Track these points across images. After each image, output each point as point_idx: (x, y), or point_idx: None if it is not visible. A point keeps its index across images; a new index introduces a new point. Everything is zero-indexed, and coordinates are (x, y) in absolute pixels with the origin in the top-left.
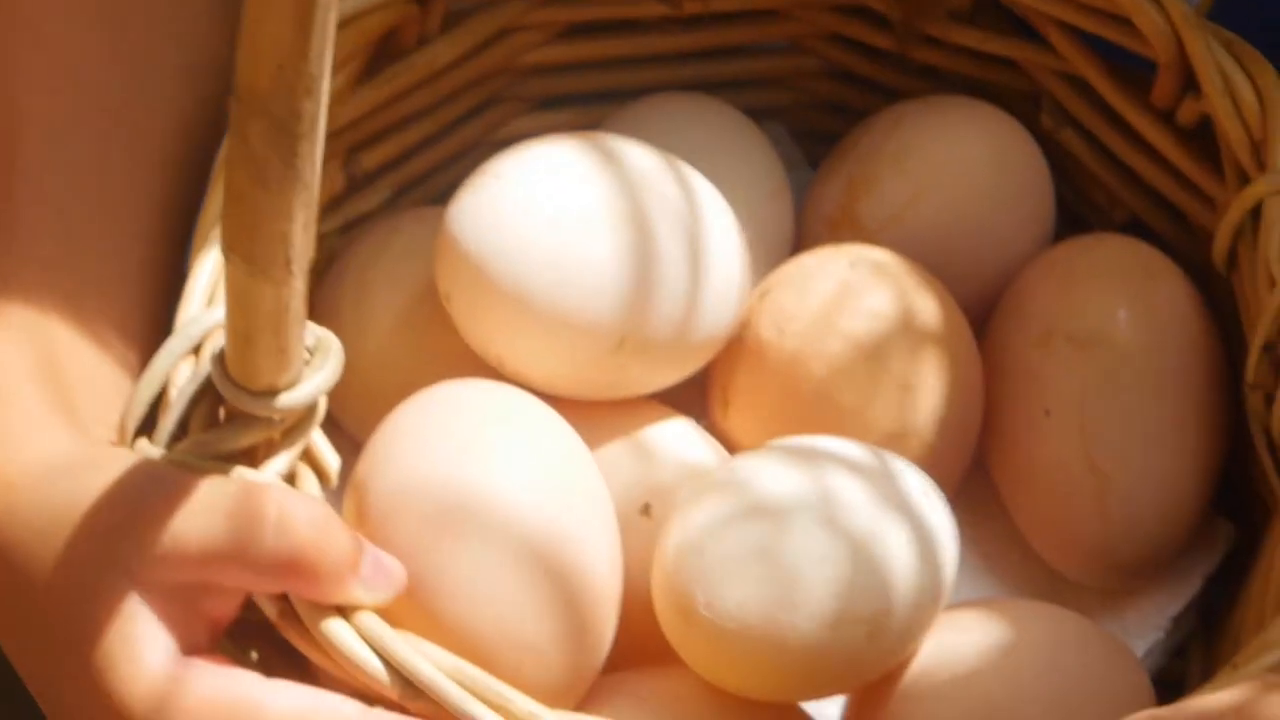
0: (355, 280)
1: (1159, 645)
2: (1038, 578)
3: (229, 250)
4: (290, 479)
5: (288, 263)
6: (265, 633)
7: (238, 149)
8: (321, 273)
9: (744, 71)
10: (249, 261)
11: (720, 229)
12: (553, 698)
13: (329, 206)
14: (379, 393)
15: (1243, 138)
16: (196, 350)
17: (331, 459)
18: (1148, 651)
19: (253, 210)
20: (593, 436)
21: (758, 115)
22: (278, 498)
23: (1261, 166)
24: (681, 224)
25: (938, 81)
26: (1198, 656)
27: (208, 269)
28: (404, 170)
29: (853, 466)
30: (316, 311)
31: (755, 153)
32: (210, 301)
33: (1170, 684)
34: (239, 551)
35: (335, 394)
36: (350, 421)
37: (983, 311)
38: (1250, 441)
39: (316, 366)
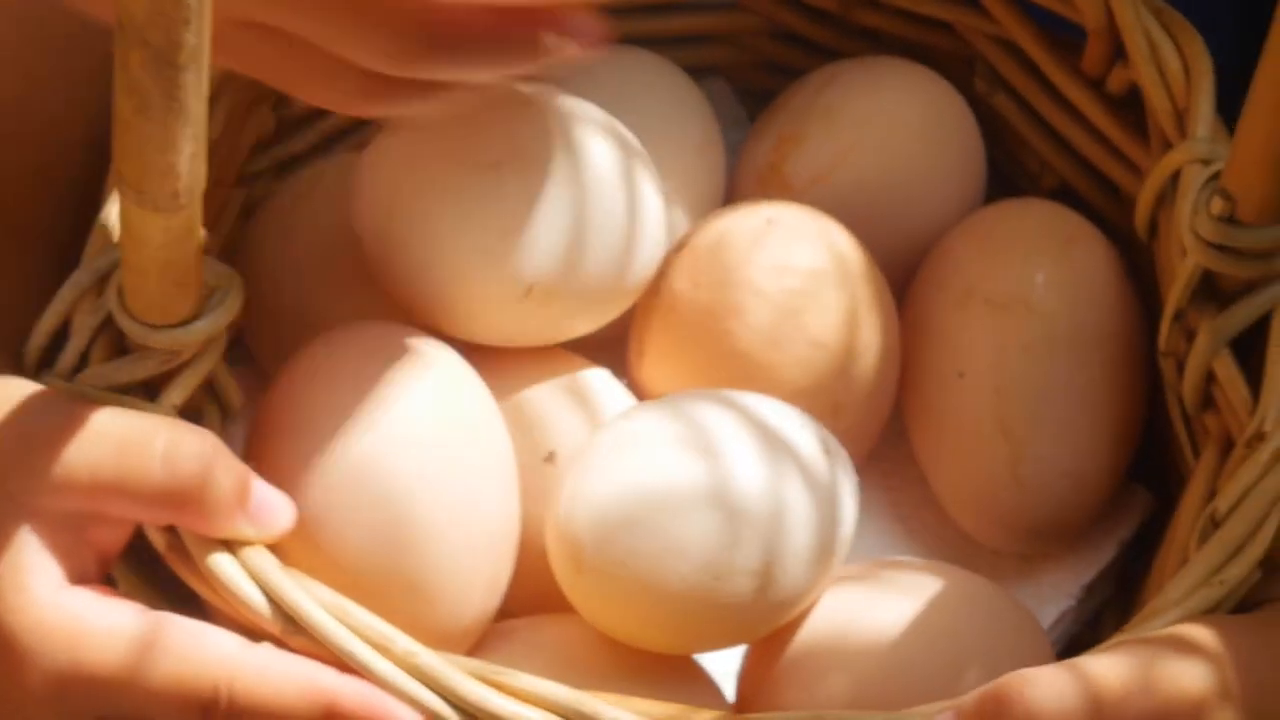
0: (279, 222)
1: (1071, 612)
2: (953, 542)
3: (119, 180)
4: (195, 412)
5: (175, 194)
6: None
7: (121, 78)
8: (251, 213)
9: (686, 27)
10: (137, 191)
11: (639, 180)
12: (441, 640)
13: (259, 148)
14: (297, 332)
15: (1167, 106)
16: (104, 283)
17: (234, 392)
18: (1059, 618)
19: (138, 140)
20: (502, 383)
21: (700, 73)
22: (167, 430)
23: (1184, 135)
24: (597, 173)
25: (877, 43)
26: (1111, 625)
27: (117, 204)
28: (335, 117)
29: (751, 420)
30: (242, 250)
31: (686, 107)
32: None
33: (1083, 651)
34: (126, 482)
35: (254, 332)
36: (271, 362)
37: (909, 272)
38: (1168, 410)
39: (216, 301)
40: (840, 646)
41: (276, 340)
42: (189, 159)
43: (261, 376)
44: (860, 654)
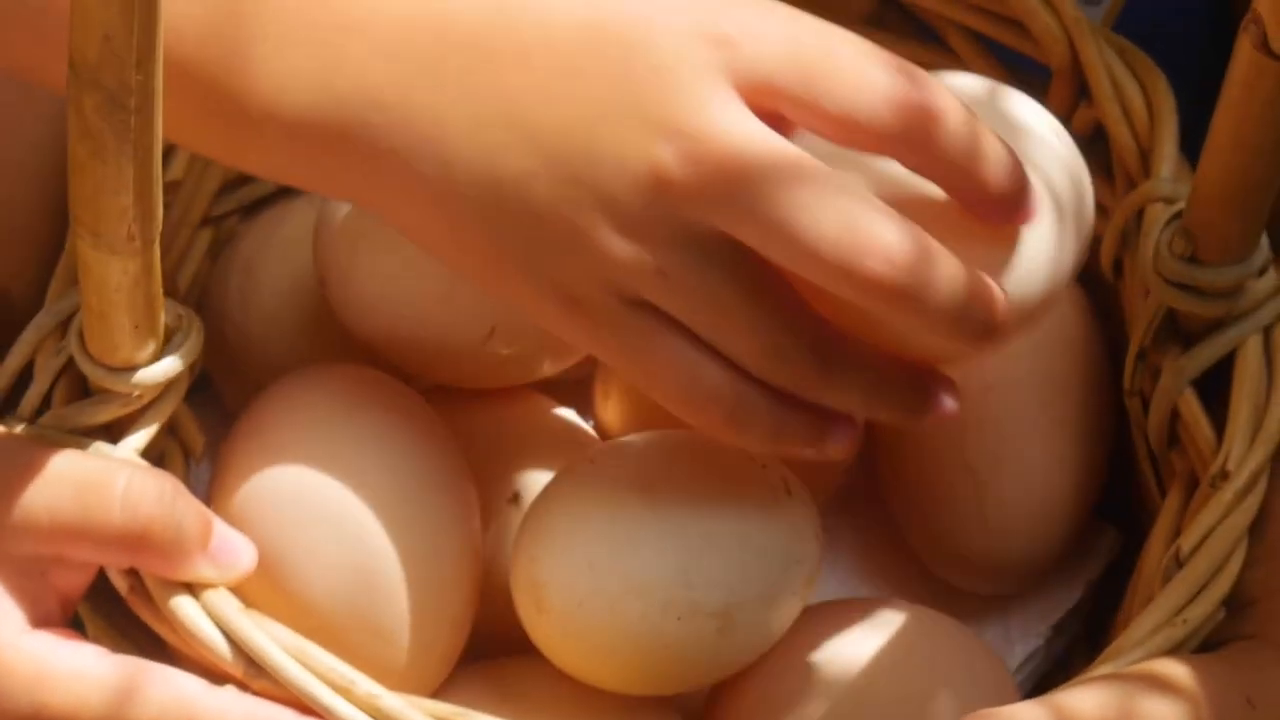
0: (244, 261)
1: (1039, 652)
2: (920, 581)
3: (76, 223)
4: (158, 454)
5: (131, 237)
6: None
7: (75, 122)
8: (218, 254)
9: None
10: (94, 234)
11: None
12: (404, 683)
13: (225, 189)
14: (262, 372)
15: (1131, 145)
16: (66, 326)
17: (196, 434)
18: (1028, 658)
19: (93, 183)
20: (466, 424)
21: None
22: (127, 473)
23: (1148, 174)
24: None
25: None
26: (1080, 663)
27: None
28: None
29: (712, 462)
30: (209, 291)
31: None
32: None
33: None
34: (86, 525)
35: (219, 371)
36: (234, 399)
37: None
38: (1135, 448)
39: (176, 344)
40: (805, 687)
41: (242, 380)
42: (144, 202)
43: (227, 416)
44: (825, 695)
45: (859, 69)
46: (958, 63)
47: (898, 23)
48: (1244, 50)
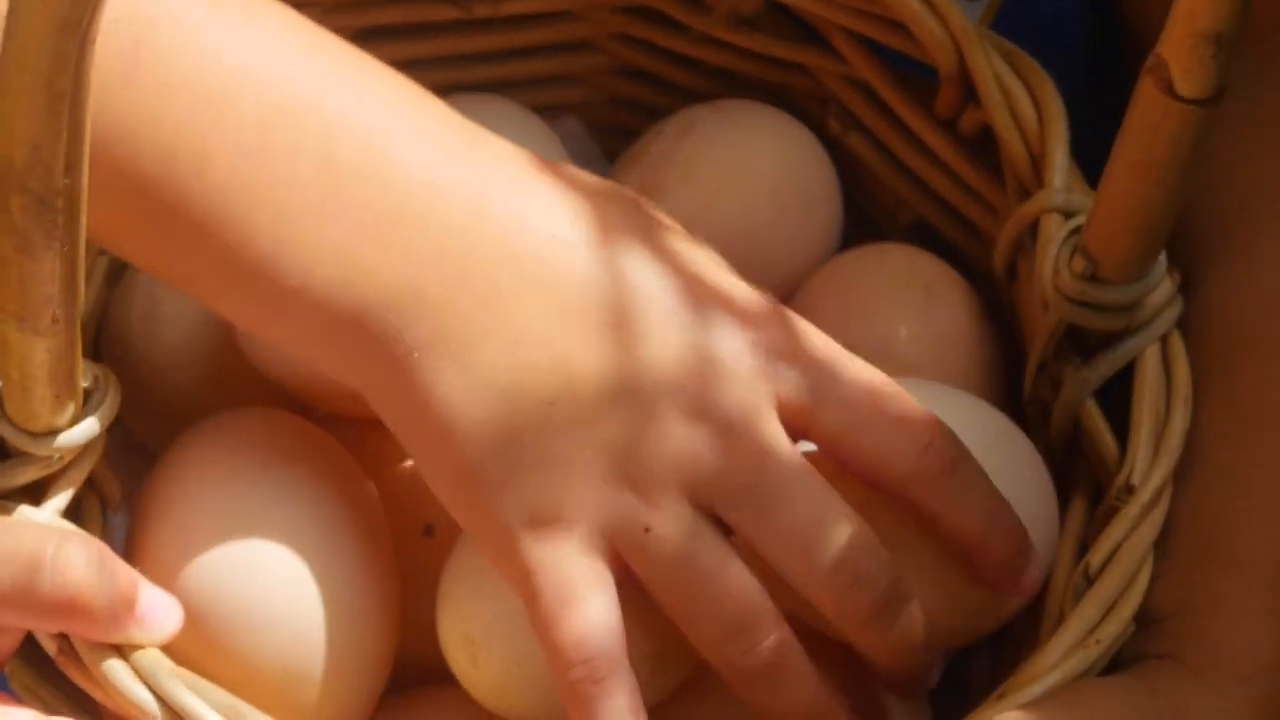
0: (146, 292)
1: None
2: None
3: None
4: (75, 505)
5: (55, 320)
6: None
7: (1, 219)
8: (116, 279)
9: (537, 71)
10: (19, 320)
11: None
12: None
13: None
14: (169, 406)
15: (1022, 151)
16: None
17: (114, 489)
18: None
19: (19, 276)
20: (376, 457)
21: (552, 112)
22: (55, 541)
23: (1040, 180)
24: None
25: (731, 82)
26: (984, 658)
27: None
28: None
29: None
30: (108, 320)
31: (546, 155)
32: None
33: (957, 685)
34: (15, 595)
35: (128, 408)
36: (144, 433)
37: None
38: None
39: (94, 405)
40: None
41: (152, 413)
42: (68, 285)
43: (135, 446)
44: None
45: (896, 421)
46: (844, 65)
47: (783, 25)
48: (1147, 91)
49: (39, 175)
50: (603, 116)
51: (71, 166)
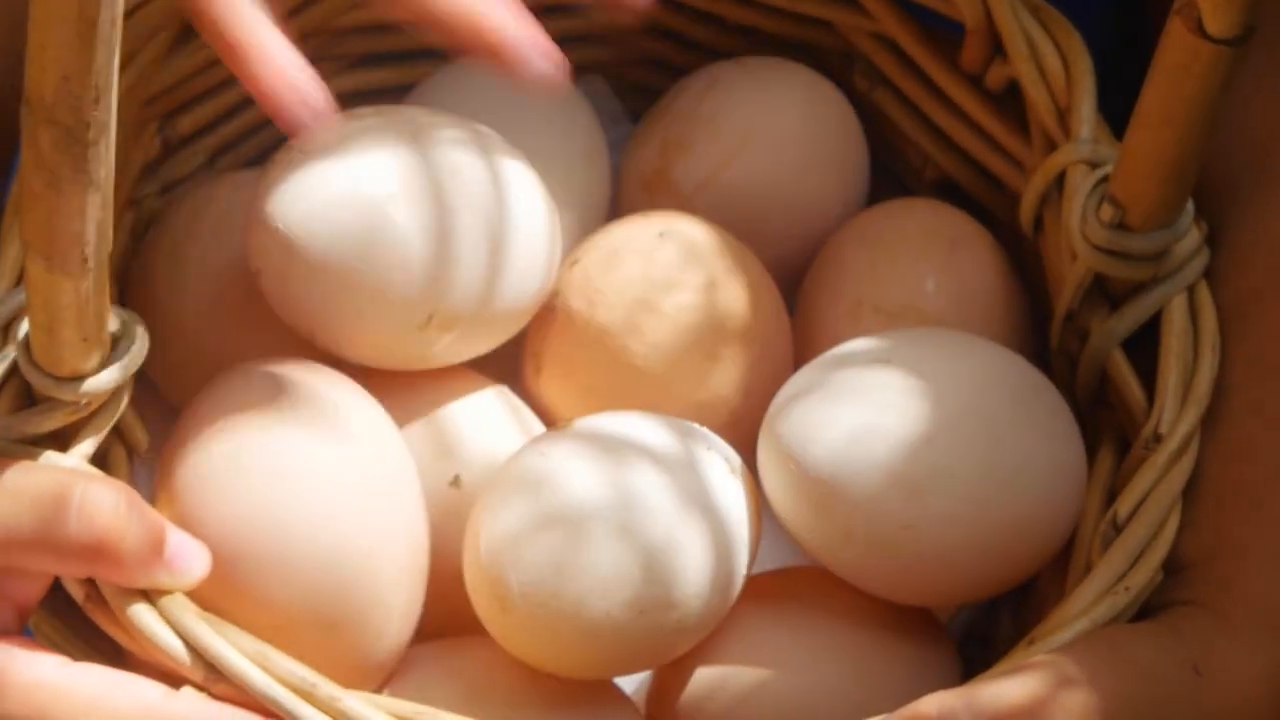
0: (170, 249)
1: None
2: None
3: (28, 246)
4: (101, 456)
5: (84, 259)
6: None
7: (30, 154)
8: (141, 234)
9: (561, 29)
10: (47, 258)
11: (526, 199)
12: (360, 674)
13: (145, 171)
14: (194, 359)
15: (1048, 104)
16: (6, 330)
17: (141, 435)
18: (958, 609)
19: (47, 211)
20: (404, 408)
21: (576, 71)
22: (82, 483)
23: (1067, 133)
24: (486, 197)
25: (755, 40)
26: (1008, 613)
27: (15, 248)
28: (221, 133)
29: (661, 446)
30: (133, 276)
31: (570, 114)
32: (18, 282)
33: (980, 639)
34: (42, 537)
35: (152, 360)
36: (167, 387)
37: (798, 272)
38: None
39: (121, 351)
40: (748, 665)
41: (176, 367)
42: (96, 225)
43: (160, 401)
44: (767, 670)
45: None
46: (871, 21)
47: None
48: (1177, 32)
49: (69, 106)
50: (628, 76)
51: (100, 98)
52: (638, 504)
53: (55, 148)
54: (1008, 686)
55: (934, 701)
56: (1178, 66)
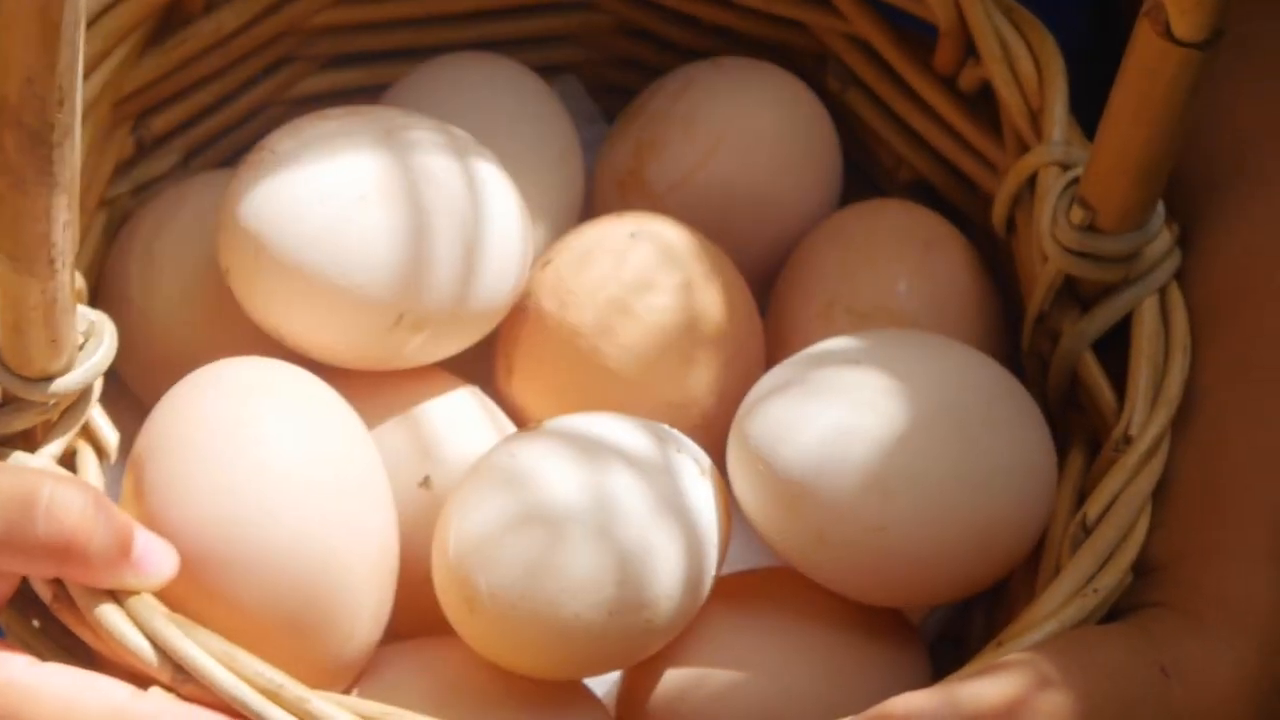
0: (143, 248)
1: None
2: None
3: None
4: (70, 457)
5: (51, 261)
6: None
7: None
8: (113, 234)
9: (536, 29)
10: (13, 259)
11: (498, 200)
12: (328, 674)
13: (118, 171)
14: (166, 358)
15: (1021, 106)
16: None
17: (110, 436)
18: (931, 610)
19: (13, 214)
20: (373, 408)
21: (551, 71)
22: (49, 484)
23: (1039, 135)
24: (458, 199)
25: (729, 40)
26: (981, 614)
27: None
28: (194, 133)
29: (631, 447)
30: (106, 275)
31: (544, 115)
32: None
33: (953, 640)
34: (9, 537)
35: (123, 360)
36: (139, 386)
37: (770, 274)
38: None
39: (90, 351)
40: (718, 666)
41: (148, 367)
42: (64, 227)
43: (132, 400)
44: (737, 671)
45: None
46: (844, 22)
47: None
48: (1145, 35)
49: (33, 109)
50: (603, 76)
51: (65, 99)
52: (608, 505)
53: (19, 150)
54: (984, 685)
55: (902, 703)
56: (1146, 70)
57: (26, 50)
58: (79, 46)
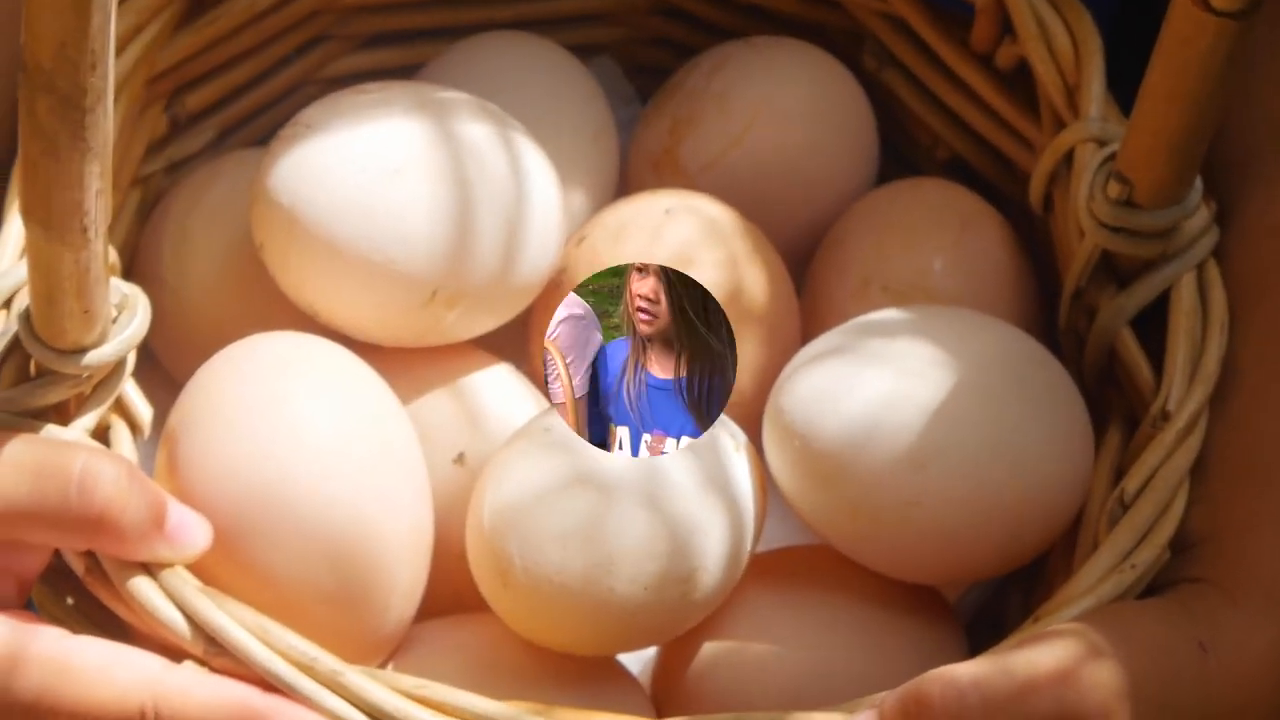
0: (177, 225)
1: (979, 583)
2: None
3: (27, 217)
4: (103, 431)
5: (84, 229)
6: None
7: (28, 122)
8: (146, 213)
9: (571, 9)
10: (46, 228)
11: (533, 176)
12: (363, 649)
13: (151, 149)
14: (199, 336)
15: (1057, 83)
16: (7, 304)
17: (144, 410)
18: (968, 588)
19: (45, 180)
20: (408, 384)
21: (586, 51)
22: (82, 456)
23: (1075, 112)
24: (494, 174)
25: (765, 19)
26: (1018, 593)
27: (17, 224)
28: (228, 112)
29: None
30: (140, 253)
31: (580, 94)
32: (21, 255)
33: (989, 621)
34: (43, 510)
35: (156, 336)
36: (172, 363)
37: (806, 252)
38: None
39: (123, 324)
40: (753, 642)
41: (179, 343)
42: (95, 195)
43: (165, 378)
44: (771, 647)
45: None
46: (880, 1)
47: None
48: (1182, 5)
49: (66, 74)
50: (637, 56)
51: (97, 63)
52: (648, 479)
53: (52, 115)
54: (1037, 652)
55: (950, 673)
56: (1183, 40)
57: (59, 15)
58: (111, 12)
